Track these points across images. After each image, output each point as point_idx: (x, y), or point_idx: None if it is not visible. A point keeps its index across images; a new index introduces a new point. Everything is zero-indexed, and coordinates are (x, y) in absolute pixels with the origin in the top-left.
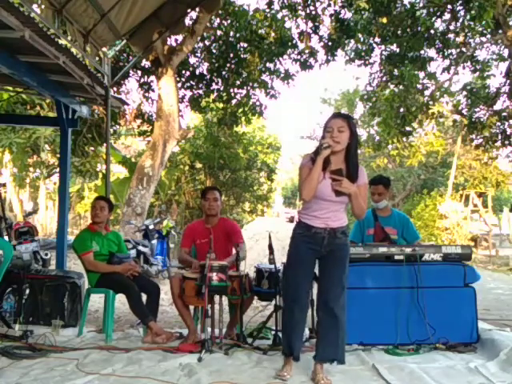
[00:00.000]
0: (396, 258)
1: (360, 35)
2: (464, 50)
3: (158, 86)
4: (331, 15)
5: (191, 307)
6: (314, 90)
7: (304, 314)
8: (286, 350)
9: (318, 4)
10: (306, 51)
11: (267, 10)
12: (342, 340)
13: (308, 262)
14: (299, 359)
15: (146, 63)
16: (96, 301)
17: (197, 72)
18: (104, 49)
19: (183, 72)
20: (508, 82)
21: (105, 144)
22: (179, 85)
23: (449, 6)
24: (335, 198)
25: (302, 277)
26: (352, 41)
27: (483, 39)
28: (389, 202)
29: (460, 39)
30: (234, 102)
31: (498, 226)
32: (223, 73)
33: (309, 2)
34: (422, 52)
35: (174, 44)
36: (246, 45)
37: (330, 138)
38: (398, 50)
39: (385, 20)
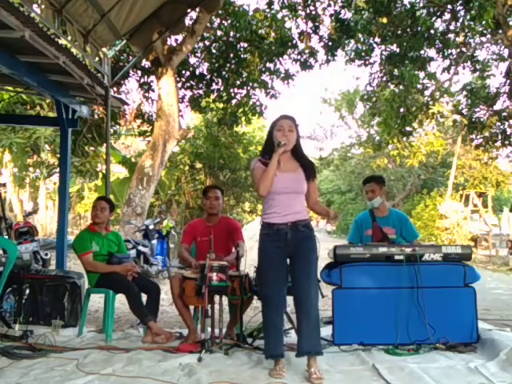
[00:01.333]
0: (396, 258)
1: (360, 35)
2: (464, 49)
3: (158, 86)
4: (331, 15)
5: (191, 307)
6: (314, 90)
7: (278, 313)
8: (267, 353)
9: (318, 4)
10: (306, 51)
11: (267, 10)
12: (317, 331)
13: (277, 261)
14: (283, 355)
15: (146, 63)
16: (96, 301)
17: (197, 72)
18: (104, 49)
19: (183, 72)
20: (508, 81)
21: (105, 144)
22: (179, 85)
23: (449, 6)
24: (289, 190)
25: (273, 277)
26: (352, 41)
27: (483, 39)
28: (388, 202)
29: (460, 39)
30: (234, 101)
31: (498, 226)
32: (223, 73)
33: (309, 2)
34: (422, 52)
35: (174, 44)
36: (246, 45)
37: (283, 136)
38: (398, 50)
39: (385, 20)
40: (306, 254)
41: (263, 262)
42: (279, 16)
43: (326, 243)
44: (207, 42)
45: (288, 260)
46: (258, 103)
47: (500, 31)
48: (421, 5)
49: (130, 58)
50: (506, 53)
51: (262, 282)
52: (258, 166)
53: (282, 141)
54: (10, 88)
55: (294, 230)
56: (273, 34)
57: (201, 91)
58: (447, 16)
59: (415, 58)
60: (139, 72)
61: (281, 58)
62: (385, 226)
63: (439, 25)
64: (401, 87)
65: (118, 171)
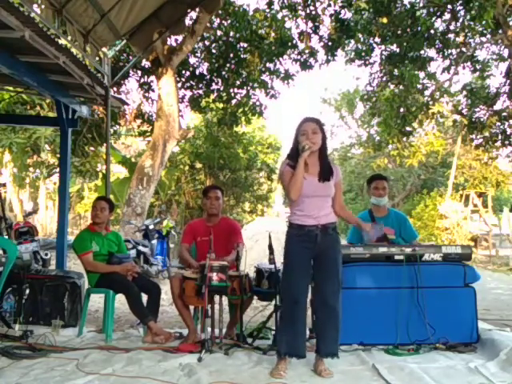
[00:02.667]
0: (396, 257)
1: (360, 35)
2: (464, 49)
3: (158, 86)
4: (331, 15)
5: (191, 307)
6: (314, 90)
7: (304, 313)
8: (284, 350)
9: (318, 4)
10: (306, 51)
11: (267, 10)
12: (339, 335)
13: (304, 262)
14: (305, 356)
15: (146, 63)
16: (96, 301)
17: (197, 72)
18: (104, 49)
19: (183, 72)
20: (508, 81)
21: (105, 144)
22: (179, 85)
23: (449, 6)
24: (318, 193)
25: (300, 277)
26: (352, 41)
27: (483, 39)
28: (388, 201)
29: (460, 39)
30: (234, 102)
31: (498, 226)
32: (223, 73)
33: (309, 2)
34: (422, 52)
35: (174, 44)
36: (246, 45)
37: (306, 139)
38: (398, 50)
39: (385, 20)
40: (335, 258)
41: (290, 262)
42: (279, 16)
43: None
44: (207, 42)
45: (312, 261)
46: (257, 103)
47: (500, 31)
48: (421, 5)
49: (130, 57)
50: (506, 53)
51: (288, 282)
52: (287, 171)
53: (305, 145)
54: (10, 88)
55: (323, 232)
56: (273, 34)
57: (201, 91)
58: (447, 16)
59: (415, 57)
60: (139, 72)
61: (281, 58)
62: (384, 227)
63: (439, 25)
64: (401, 87)
65: (118, 171)
